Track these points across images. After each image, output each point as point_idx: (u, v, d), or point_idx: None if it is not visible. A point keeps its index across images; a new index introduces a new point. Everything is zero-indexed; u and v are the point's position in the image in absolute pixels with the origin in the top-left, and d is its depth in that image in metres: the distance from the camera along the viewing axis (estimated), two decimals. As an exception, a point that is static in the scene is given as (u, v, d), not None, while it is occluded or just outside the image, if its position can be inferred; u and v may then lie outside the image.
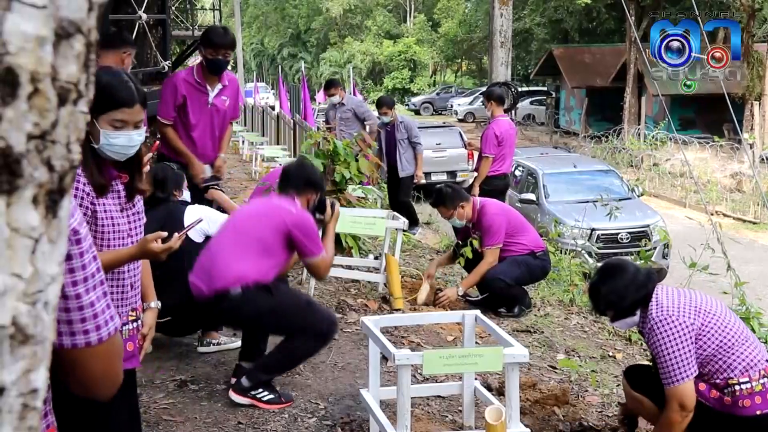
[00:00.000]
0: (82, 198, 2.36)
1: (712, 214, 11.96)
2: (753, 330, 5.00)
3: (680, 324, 3.33)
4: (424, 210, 10.67)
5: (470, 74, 53.49)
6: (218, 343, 4.76)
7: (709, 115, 25.48)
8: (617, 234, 10.74)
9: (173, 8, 14.24)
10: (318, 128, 10.17)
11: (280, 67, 44.92)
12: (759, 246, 14.42)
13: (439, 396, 4.19)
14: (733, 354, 3.35)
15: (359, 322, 4.34)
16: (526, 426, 3.50)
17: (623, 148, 22.93)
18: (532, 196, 12.04)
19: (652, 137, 22.85)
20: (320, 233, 4.12)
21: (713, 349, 3.35)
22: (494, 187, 8.03)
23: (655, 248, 9.84)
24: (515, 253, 5.92)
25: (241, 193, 11.13)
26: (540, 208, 11.84)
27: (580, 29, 38.48)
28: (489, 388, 4.26)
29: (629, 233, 10.78)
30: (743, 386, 3.33)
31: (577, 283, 7.03)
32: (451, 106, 40.80)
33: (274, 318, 3.92)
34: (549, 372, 4.88)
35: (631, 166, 21.68)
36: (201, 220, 3.24)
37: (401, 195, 9.46)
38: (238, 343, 4.44)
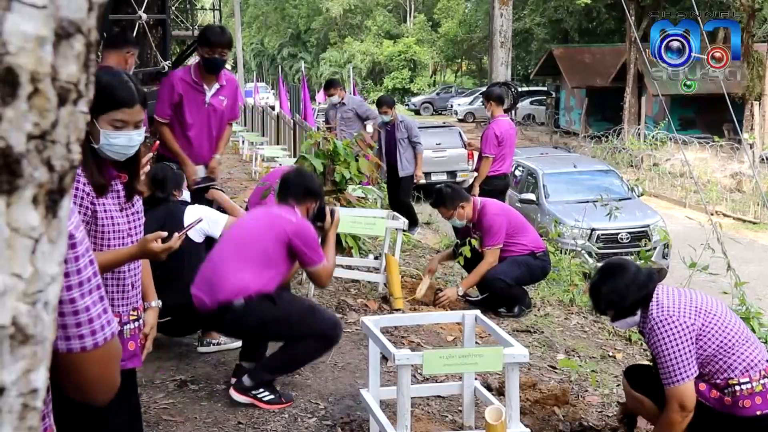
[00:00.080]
0: (82, 198, 2.36)
1: (712, 214, 11.96)
2: (753, 330, 5.00)
3: (681, 324, 3.33)
4: (424, 210, 10.67)
5: (470, 74, 53.50)
6: (218, 343, 4.76)
7: (709, 115, 25.48)
8: (617, 234, 10.74)
9: (173, 8, 14.24)
10: (318, 128, 10.17)
11: (280, 67, 44.92)
12: (759, 246, 14.42)
13: (439, 396, 4.19)
14: (733, 354, 3.35)
15: (359, 322, 4.34)
16: (526, 426, 3.50)
17: (623, 148, 22.93)
18: (532, 196, 12.04)
19: (652, 137, 22.84)
20: (320, 240, 4.12)
21: (714, 349, 3.35)
22: (494, 187, 8.03)
23: (655, 248, 9.84)
24: (515, 253, 5.92)
25: (241, 193, 11.13)
26: (540, 208, 11.84)
27: (580, 29, 38.48)
28: (489, 388, 4.26)
29: (629, 233, 10.78)
30: (743, 386, 3.33)
31: (577, 283, 7.03)
32: (451, 106, 40.80)
33: (279, 327, 3.93)
34: (549, 372, 4.88)
35: (631, 166, 21.68)
36: (201, 220, 3.24)
37: (401, 195, 9.46)
38: (238, 343, 4.44)
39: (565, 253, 8.41)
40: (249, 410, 3.94)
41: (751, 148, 20.44)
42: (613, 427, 4.08)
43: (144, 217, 2.66)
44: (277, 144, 17.20)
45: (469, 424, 3.85)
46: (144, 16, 7.75)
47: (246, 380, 3.96)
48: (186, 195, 4.80)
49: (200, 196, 5.30)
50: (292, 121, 16.29)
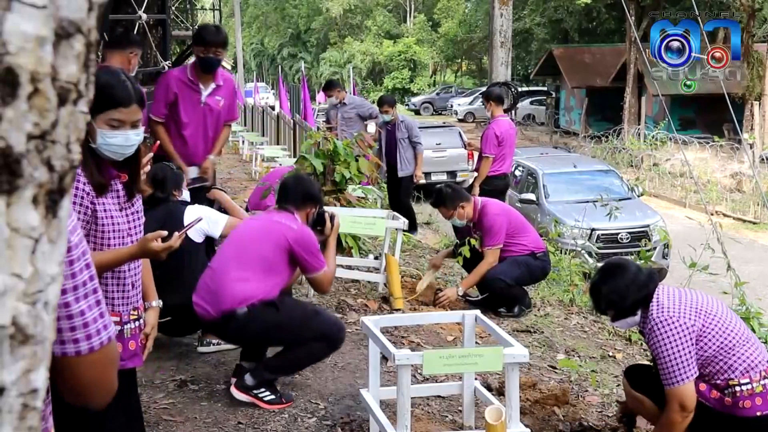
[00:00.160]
0: (82, 197, 2.36)
1: (712, 214, 11.96)
2: (753, 330, 5.00)
3: (681, 325, 3.33)
4: (424, 210, 10.67)
5: (470, 74, 53.49)
6: (218, 343, 4.75)
7: (709, 115, 25.47)
8: (617, 234, 10.74)
9: (173, 8, 14.23)
10: (318, 128, 10.17)
11: (280, 67, 44.92)
12: (759, 246, 14.42)
13: (439, 396, 4.19)
14: (733, 355, 3.35)
15: (359, 322, 4.34)
16: (526, 426, 3.50)
17: (623, 148, 22.93)
18: (532, 196, 12.04)
19: (652, 137, 22.85)
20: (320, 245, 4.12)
21: (714, 350, 3.35)
22: (494, 187, 8.03)
23: (655, 248, 9.83)
24: (515, 253, 5.92)
25: (241, 193, 11.13)
26: (540, 208, 11.84)
27: (580, 29, 38.49)
28: (489, 388, 4.26)
29: (629, 233, 10.78)
30: (744, 387, 3.33)
31: (577, 283, 7.03)
32: (451, 106, 40.80)
33: (282, 332, 3.93)
34: (549, 372, 4.88)
35: (631, 166, 21.68)
36: (201, 220, 3.24)
37: (402, 195, 9.46)
38: (238, 343, 4.44)
39: (565, 253, 8.41)
40: (249, 410, 3.94)
41: (751, 148, 20.44)
42: (613, 427, 4.08)
43: (144, 216, 2.66)
44: (277, 144, 17.21)
45: (469, 424, 3.85)
46: (144, 16, 7.75)
47: (248, 378, 3.96)
48: (186, 195, 4.80)
49: (200, 196, 5.29)
50: (292, 121, 16.30)
